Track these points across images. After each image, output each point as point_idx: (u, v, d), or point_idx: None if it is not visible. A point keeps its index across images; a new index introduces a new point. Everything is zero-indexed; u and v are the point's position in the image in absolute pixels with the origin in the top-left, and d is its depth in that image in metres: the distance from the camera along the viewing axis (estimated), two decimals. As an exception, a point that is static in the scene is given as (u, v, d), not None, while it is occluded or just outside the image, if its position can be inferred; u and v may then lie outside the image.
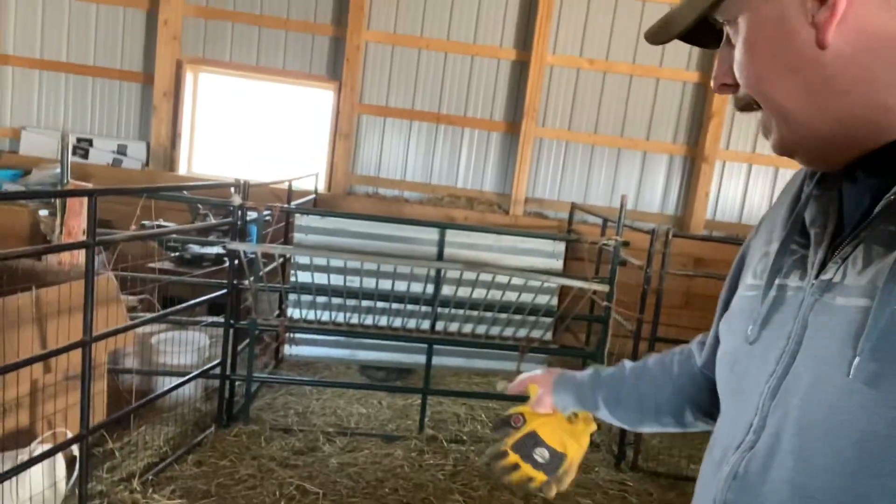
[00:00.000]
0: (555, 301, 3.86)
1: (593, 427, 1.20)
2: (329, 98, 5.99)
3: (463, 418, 4.32)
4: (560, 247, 3.99)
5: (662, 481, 3.79)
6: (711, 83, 0.71)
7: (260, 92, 6.19)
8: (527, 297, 3.71)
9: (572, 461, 1.19)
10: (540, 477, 1.18)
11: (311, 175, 5.70)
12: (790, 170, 6.06)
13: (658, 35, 0.71)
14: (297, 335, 3.82)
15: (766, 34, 0.61)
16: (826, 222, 0.66)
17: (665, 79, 6.01)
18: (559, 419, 1.20)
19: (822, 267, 0.64)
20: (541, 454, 1.17)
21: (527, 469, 1.18)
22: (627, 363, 1.15)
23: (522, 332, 3.92)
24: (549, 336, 4.06)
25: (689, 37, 0.70)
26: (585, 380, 1.15)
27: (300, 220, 3.88)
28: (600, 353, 4.08)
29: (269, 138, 6.29)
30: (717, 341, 0.86)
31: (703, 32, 0.69)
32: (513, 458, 1.19)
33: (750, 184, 6.15)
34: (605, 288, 3.47)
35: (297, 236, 3.83)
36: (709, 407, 1.00)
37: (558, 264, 3.95)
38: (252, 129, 6.27)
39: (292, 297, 3.77)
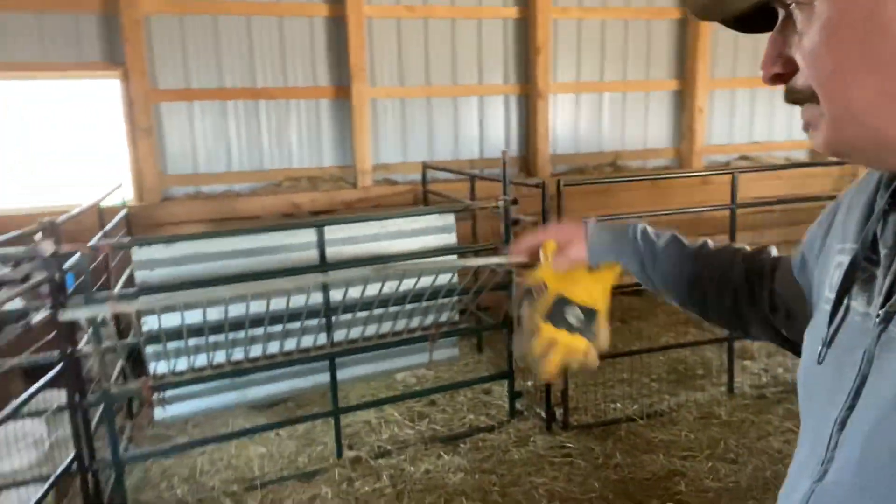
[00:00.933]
0: (456, 279, 3.52)
1: (617, 268, 1.10)
2: (117, 88, 4.90)
3: (376, 425, 3.89)
4: (449, 219, 3.62)
5: (597, 432, 3.73)
6: (761, 73, 0.62)
7: (33, 95, 4.89)
8: (426, 282, 3.33)
9: (603, 312, 1.10)
10: (580, 344, 1.08)
11: (115, 187, 4.68)
12: (616, 93, 6.24)
13: (710, 10, 0.64)
14: (169, 393, 3.08)
15: (855, 22, 0.53)
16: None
17: (487, 18, 5.77)
18: (581, 271, 1.10)
19: (890, 295, 0.61)
20: (574, 316, 1.08)
21: (565, 339, 1.07)
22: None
23: (429, 320, 3.55)
24: (457, 317, 3.73)
25: (739, 18, 0.64)
26: (633, 233, 1.08)
27: (138, 253, 3.06)
28: (507, 323, 3.87)
29: (54, 149, 5.04)
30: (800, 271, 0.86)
31: (756, 14, 0.62)
32: (547, 330, 1.08)
33: (581, 113, 6.23)
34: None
35: (141, 274, 3.03)
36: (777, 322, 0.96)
37: (452, 238, 3.60)
38: (28, 142, 4.97)
39: (151, 349, 3.01)
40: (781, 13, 0.60)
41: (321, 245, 3.23)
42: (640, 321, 5.39)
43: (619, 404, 4.02)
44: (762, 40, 0.65)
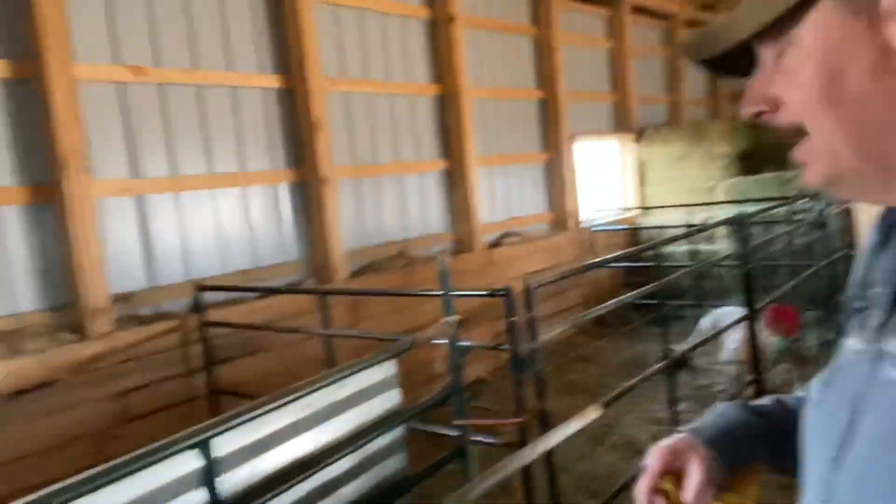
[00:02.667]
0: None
1: (757, 468, 0.87)
2: None
3: None
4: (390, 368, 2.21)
5: None
6: (742, 110, 0.63)
7: None
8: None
9: None
10: None
11: None
12: (392, 175, 5.44)
13: (699, 50, 0.65)
14: None
15: (833, 59, 0.54)
16: (892, 281, 0.62)
17: (246, 86, 4.43)
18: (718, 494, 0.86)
19: (882, 332, 0.60)
20: None
21: None
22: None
23: None
24: None
25: (723, 60, 0.64)
26: (744, 427, 0.89)
27: None
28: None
29: None
30: None
31: (739, 56, 0.62)
32: None
33: (364, 200, 5.24)
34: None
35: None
36: None
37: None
38: None
39: None
40: (765, 53, 0.61)
41: None
42: None
43: None
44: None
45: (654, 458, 0.87)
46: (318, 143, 4.66)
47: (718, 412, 0.91)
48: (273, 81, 4.57)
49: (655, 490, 0.86)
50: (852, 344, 0.65)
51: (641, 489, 0.87)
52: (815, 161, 0.60)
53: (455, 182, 5.94)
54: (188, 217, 4.13)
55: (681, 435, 0.89)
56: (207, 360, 3.82)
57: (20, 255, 3.40)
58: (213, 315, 3.85)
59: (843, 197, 0.65)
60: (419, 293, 3.87)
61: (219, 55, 4.28)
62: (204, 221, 4.22)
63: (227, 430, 1.76)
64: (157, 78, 3.96)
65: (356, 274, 5.03)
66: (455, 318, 2.29)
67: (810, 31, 0.55)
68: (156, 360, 3.69)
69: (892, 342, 0.58)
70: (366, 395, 2.07)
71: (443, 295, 2.33)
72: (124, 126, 3.83)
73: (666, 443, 0.88)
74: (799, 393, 0.91)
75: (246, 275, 4.41)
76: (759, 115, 0.63)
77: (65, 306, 3.52)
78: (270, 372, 3.89)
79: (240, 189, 4.43)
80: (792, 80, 0.58)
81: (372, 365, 2.04)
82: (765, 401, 0.92)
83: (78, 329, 3.52)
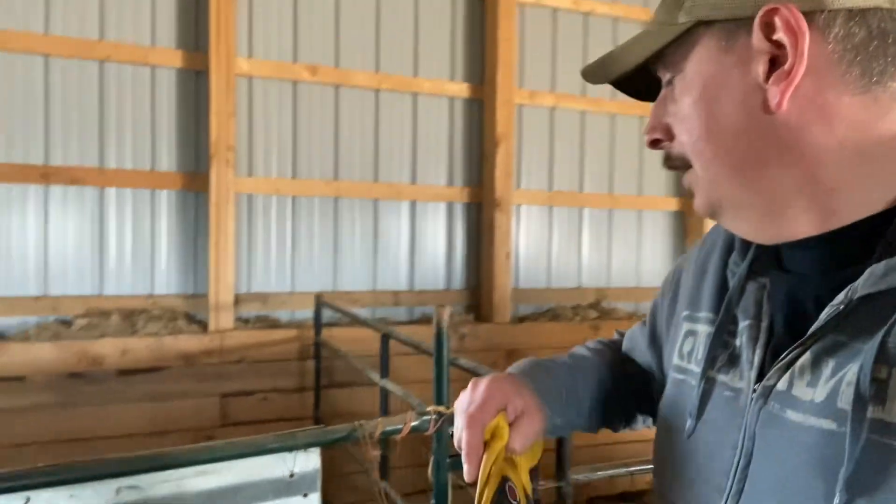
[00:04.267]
0: None
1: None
2: None
3: None
4: (311, 461, 1.63)
5: None
6: (645, 136, 0.63)
7: None
8: None
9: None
10: None
11: None
12: (594, 209, 4.54)
13: (595, 75, 0.67)
14: None
15: (710, 92, 0.56)
16: (760, 315, 0.61)
17: (425, 93, 4.07)
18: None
19: (762, 369, 0.59)
20: None
21: None
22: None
23: None
24: None
25: (626, 84, 0.66)
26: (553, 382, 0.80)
27: None
28: None
29: None
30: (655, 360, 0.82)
31: (640, 80, 0.64)
32: None
33: (554, 232, 4.46)
34: None
35: None
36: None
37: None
38: None
39: None
40: (664, 82, 0.62)
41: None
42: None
43: None
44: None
45: (481, 393, 0.72)
46: (497, 161, 4.06)
47: (528, 365, 0.82)
48: (462, 91, 4.12)
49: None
50: (725, 380, 0.63)
51: (470, 435, 0.69)
52: (699, 189, 0.61)
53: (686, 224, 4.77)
54: (344, 224, 3.89)
55: (498, 374, 0.78)
56: (319, 381, 3.51)
57: (165, 239, 3.51)
58: (337, 333, 3.52)
59: (729, 228, 0.64)
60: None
61: (405, 60, 3.99)
62: (362, 230, 3.94)
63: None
64: (333, 78, 3.81)
65: (528, 318, 4.28)
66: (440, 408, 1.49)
67: (693, 64, 0.57)
68: (268, 367, 3.50)
69: (780, 381, 0.56)
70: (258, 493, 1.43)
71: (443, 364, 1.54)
72: (291, 123, 3.75)
73: (489, 380, 0.74)
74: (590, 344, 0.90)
75: (396, 296, 4.02)
76: (656, 142, 0.63)
77: (193, 296, 3.53)
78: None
79: (408, 203, 4.07)
80: (677, 110, 0.60)
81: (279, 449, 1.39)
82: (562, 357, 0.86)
83: (198, 321, 3.50)
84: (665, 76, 0.61)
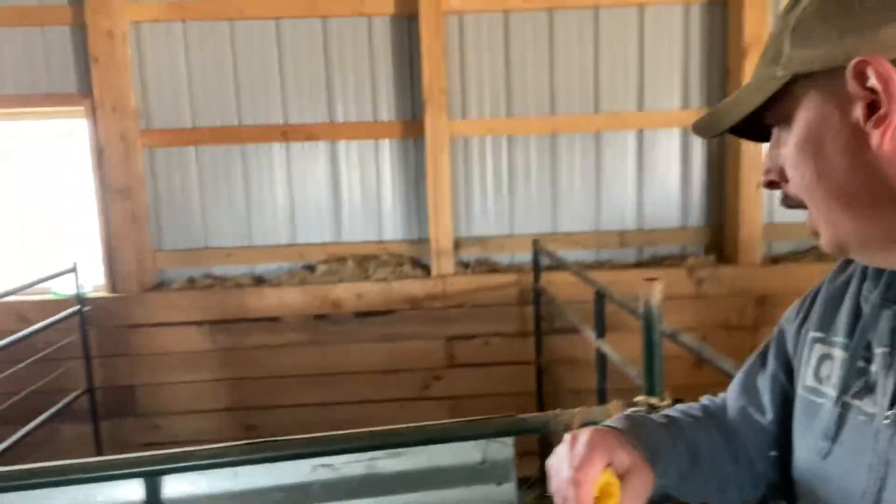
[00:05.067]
0: None
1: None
2: (83, 130, 3.45)
3: None
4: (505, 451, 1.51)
5: None
6: (762, 178, 0.68)
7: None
8: None
9: None
10: None
11: (68, 269, 3.21)
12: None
13: (706, 129, 0.70)
14: None
15: (815, 136, 0.60)
16: (894, 343, 0.62)
17: (653, 3, 3.54)
18: None
19: (894, 397, 0.61)
20: None
21: None
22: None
23: None
24: None
25: (740, 131, 0.69)
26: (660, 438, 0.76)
27: None
28: None
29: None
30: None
31: (754, 127, 0.68)
32: None
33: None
34: None
35: None
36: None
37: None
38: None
39: None
40: (773, 127, 0.66)
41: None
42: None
43: None
44: None
45: (584, 447, 0.68)
46: (745, 74, 3.41)
47: (627, 417, 0.78)
48: (697, -7, 3.51)
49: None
50: (860, 405, 0.64)
51: (581, 493, 0.66)
52: (821, 228, 0.63)
53: None
54: (563, 162, 3.65)
55: (599, 426, 0.74)
56: (539, 327, 3.41)
57: (390, 187, 3.62)
58: (556, 279, 3.36)
59: (860, 260, 0.67)
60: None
61: (627, -34, 3.50)
62: (582, 167, 3.66)
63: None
64: (546, 2, 3.49)
65: (784, 258, 3.66)
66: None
67: (797, 112, 0.61)
68: (488, 312, 3.49)
69: None
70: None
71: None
72: (504, 58, 3.55)
73: (590, 433, 0.71)
74: (703, 400, 0.88)
75: (622, 237, 3.70)
76: (773, 184, 0.67)
77: (417, 241, 3.62)
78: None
79: (634, 133, 3.66)
80: (788, 154, 0.63)
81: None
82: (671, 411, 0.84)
83: (423, 266, 3.59)
84: (772, 124, 0.65)
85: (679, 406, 0.86)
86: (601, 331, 2.28)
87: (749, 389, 0.82)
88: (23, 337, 2.83)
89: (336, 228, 3.64)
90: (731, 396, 0.84)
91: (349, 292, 3.45)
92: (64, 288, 3.36)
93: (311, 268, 3.60)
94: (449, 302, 3.48)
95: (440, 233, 3.48)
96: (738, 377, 0.84)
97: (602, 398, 2.29)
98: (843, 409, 0.65)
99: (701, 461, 0.76)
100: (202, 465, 1.27)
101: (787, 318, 0.80)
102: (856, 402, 0.64)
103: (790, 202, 0.65)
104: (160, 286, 3.56)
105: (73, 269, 3.22)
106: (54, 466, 1.23)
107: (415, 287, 3.47)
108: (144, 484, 1.26)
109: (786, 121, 0.62)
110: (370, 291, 3.46)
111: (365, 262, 3.57)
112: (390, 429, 1.33)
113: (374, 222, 3.63)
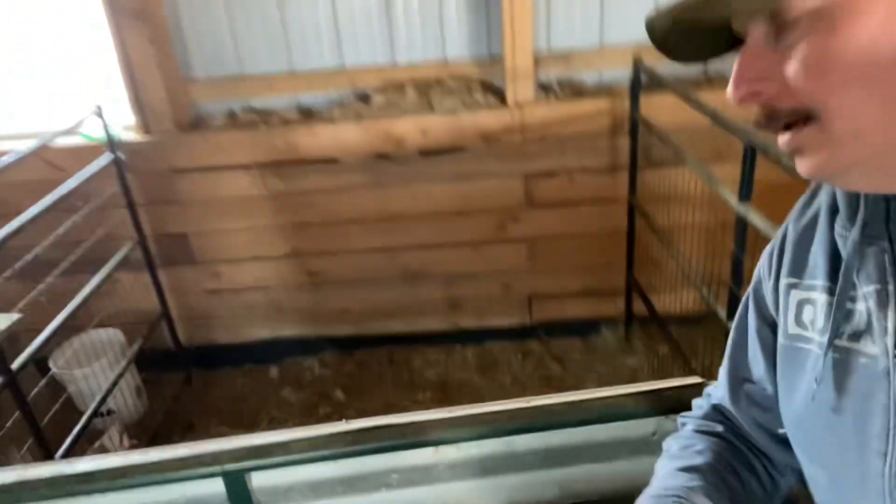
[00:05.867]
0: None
1: None
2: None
3: None
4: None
5: None
6: (730, 92, 0.55)
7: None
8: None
9: None
10: None
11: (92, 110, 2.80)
12: None
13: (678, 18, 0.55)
14: None
15: (855, 31, 0.47)
16: (886, 279, 0.60)
17: None
18: None
19: None
20: None
21: None
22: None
23: None
24: None
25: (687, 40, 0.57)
26: None
27: None
28: None
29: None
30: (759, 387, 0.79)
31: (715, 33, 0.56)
32: None
33: None
34: None
35: None
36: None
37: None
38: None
39: None
40: (757, 28, 0.54)
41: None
42: None
43: None
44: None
45: None
46: None
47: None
48: None
49: None
50: (861, 347, 0.62)
51: None
52: (825, 147, 0.54)
53: None
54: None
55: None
56: (635, 160, 2.94)
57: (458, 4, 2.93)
58: (659, 103, 2.80)
59: (851, 187, 0.60)
60: None
61: None
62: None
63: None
64: None
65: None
66: None
67: None
68: (574, 145, 3.00)
69: None
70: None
71: None
72: None
73: None
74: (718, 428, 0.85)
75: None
76: (751, 96, 0.55)
77: (488, 61, 3.03)
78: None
79: None
80: (810, 54, 0.51)
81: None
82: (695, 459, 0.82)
83: (495, 91, 3.04)
84: (788, 19, 0.50)
85: (702, 461, 0.81)
86: (747, 191, 1.82)
87: (739, 376, 0.80)
88: (64, 195, 2.55)
89: (389, 47, 3.05)
90: (725, 397, 0.83)
91: (412, 128, 2.97)
92: (92, 131, 2.97)
93: (364, 98, 3.09)
94: (528, 135, 2.98)
95: (518, 48, 2.87)
96: (724, 369, 0.83)
97: (739, 274, 1.90)
98: (842, 354, 0.63)
99: None
100: (294, 460, 0.97)
101: (760, 278, 0.77)
102: (851, 345, 0.62)
103: (777, 124, 0.55)
104: (198, 125, 3.14)
105: (99, 113, 2.80)
106: (118, 468, 0.95)
107: (488, 119, 2.96)
108: (225, 480, 0.98)
109: (809, 14, 0.48)
110: (436, 126, 2.98)
111: (427, 89, 3.03)
112: (535, 406, 0.99)
113: (436, 37, 3.02)
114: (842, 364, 0.63)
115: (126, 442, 2.94)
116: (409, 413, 0.97)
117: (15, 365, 2.21)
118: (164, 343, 3.35)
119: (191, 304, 3.40)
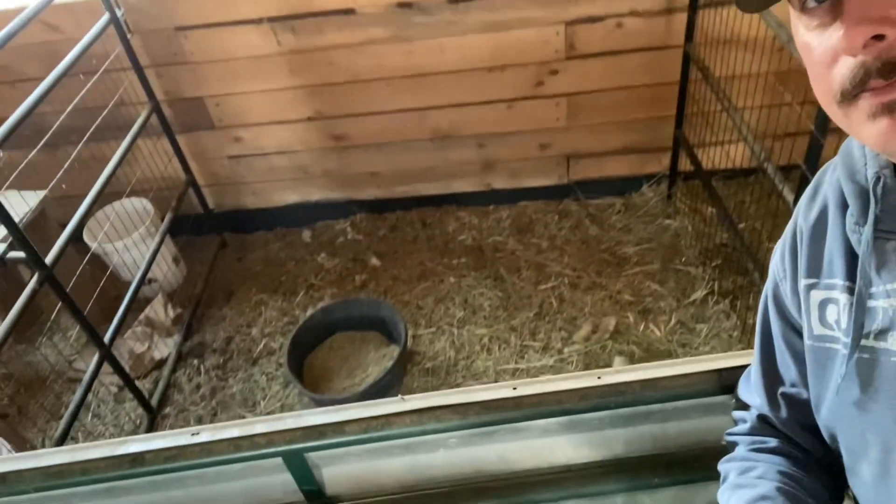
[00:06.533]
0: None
1: None
2: None
3: None
4: None
5: None
6: (843, 36, 0.46)
7: None
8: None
9: None
10: None
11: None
12: None
13: None
14: None
15: None
16: None
17: None
18: None
19: None
20: None
21: None
22: None
23: None
24: None
25: None
26: None
27: None
28: None
29: None
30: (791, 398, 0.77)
31: None
32: None
33: None
34: None
35: None
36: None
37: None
38: None
39: None
40: None
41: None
42: None
43: None
44: None
45: None
46: None
47: None
48: None
49: None
50: (885, 346, 0.60)
51: None
52: None
53: None
54: None
55: None
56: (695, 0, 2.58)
57: None
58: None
59: None
60: None
61: None
62: None
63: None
64: None
65: None
66: None
67: None
68: None
69: None
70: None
71: None
72: None
73: None
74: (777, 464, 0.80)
75: None
76: (874, 43, 0.46)
77: None
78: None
79: None
80: None
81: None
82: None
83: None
84: None
85: (768, 488, 0.75)
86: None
87: (773, 382, 0.78)
88: (73, 60, 2.36)
89: None
90: (764, 405, 0.80)
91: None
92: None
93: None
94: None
95: None
96: (756, 375, 0.80)
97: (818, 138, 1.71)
98: (871, 355, 0.61)
99: None
100: (349, 441, 0.92)
101: (777, 280, 0.74)
102: (878, 345, 0.61)
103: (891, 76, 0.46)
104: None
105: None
106: (169, 450, 0.92)
107: None
108: (285, 461, 0.95)
109: None
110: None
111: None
112: (606, 384, 0.90)
113: None
114: (869, 363, 0.62)
115: (171, 312, 3.01)
116: (467, 389, 0.91)
117: (51, 255, 2.17)
118: (194, 209, 3.30)
119: (215, 171, 3.29)
